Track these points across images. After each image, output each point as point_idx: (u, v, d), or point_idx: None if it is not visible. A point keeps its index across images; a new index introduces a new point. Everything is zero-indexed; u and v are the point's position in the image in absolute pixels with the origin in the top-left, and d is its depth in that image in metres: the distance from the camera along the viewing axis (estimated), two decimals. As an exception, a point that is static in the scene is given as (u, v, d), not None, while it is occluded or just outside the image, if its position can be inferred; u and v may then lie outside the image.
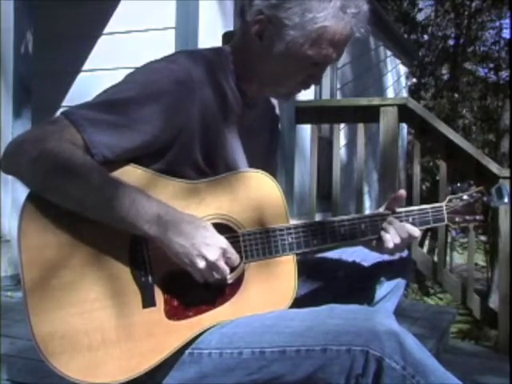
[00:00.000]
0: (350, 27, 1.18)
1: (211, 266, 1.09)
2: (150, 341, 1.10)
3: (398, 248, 1.31)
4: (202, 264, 1.09)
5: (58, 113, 1.12)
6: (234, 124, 1.27)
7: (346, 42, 1.21)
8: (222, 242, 1.11)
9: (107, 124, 1.09)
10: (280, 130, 1.54)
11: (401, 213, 1.33)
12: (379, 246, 1.32)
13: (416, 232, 1.31)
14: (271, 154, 1.47)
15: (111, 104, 1.11)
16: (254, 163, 1.30)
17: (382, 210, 1.36)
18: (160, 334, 1.11)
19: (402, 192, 1.33)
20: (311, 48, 1.18)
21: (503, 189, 1.36)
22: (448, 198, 1.39)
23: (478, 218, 1.39)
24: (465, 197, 1.39)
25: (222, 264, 1.11)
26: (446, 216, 1.37)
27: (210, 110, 1.20)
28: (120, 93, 1.13)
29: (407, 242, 1.32)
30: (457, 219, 1.38)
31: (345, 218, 1.29)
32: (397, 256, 1.39)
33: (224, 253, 1.11)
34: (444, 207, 1.37)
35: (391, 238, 1.29)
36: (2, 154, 1.09)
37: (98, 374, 1.06)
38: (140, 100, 1.12)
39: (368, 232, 1.30)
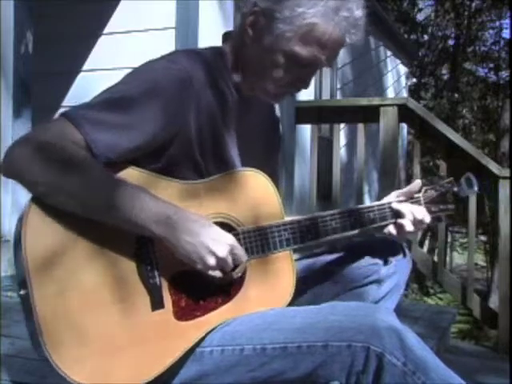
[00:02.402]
0: (339, 30, 1.17)
1: (220, 262, 1.09)
2: (160, 343, 1.09)
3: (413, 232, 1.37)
4: (212, 261, 1.08)
5: (58, 113, 1.11)
6: (232, 123, 1.27)
7: (337, 47, 1.20)
8: (229, 238, 1.11)
9: (108, 124, 1.08)
10: (281, 130, 1.54)
11: (384, 205, 1.36)
12: (398, 231, 1.36)
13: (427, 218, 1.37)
14: (271, 152, 1.47)
15: (111, 104, 1.11)
16: (251, 162, 1.30)
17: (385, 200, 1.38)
18: (170, 335, 1.10)
19: (419, 182, 1.41)
20: (299, 44, 1.18)
21: (472, 178, 1.41)
22: (424, 189, 1.43)
23: (449, 206, 1.45)
24: (438, 187, 1.44)
25: (230, 260, 1.11)
26: (423, 206, 1.41)
27: (208, 110, 1.20)
28: (120, 92, 1.13)
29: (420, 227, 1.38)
30: (433, 209, 1.43)
31: (336, 211, 1.30)
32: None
33: (232, 249, 1.11)
34: (421, 198, 1.41)
35: (410, 222, 1.34)
36: (3, 157, 1.06)
37: (109, 379, 1.04)
38: (140, 100, 1.11)
39: (357, 225, 1.31)
